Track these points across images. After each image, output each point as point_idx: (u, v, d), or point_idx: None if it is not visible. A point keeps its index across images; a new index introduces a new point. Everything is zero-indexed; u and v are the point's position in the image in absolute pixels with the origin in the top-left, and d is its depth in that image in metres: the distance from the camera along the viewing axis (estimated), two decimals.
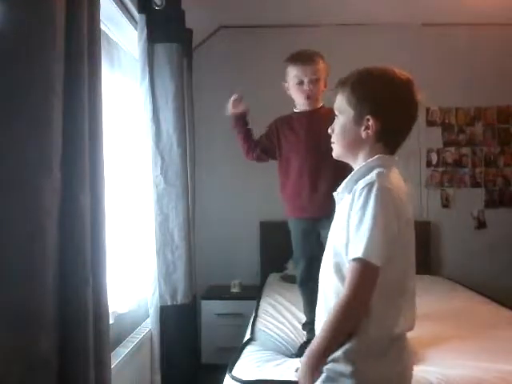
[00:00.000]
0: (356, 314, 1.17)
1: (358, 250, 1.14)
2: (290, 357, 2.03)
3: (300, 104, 2.16)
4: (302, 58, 2.08)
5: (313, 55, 2.09)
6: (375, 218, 1.13)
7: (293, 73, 2.09)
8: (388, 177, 1.21)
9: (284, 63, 2.14)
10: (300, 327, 2.32)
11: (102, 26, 1.88)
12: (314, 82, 2.07)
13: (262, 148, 2.28)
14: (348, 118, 1.27)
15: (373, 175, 1.18)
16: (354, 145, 1.28)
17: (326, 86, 2.12)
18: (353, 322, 1.17)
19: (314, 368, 1.19)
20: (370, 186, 1.16)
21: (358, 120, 1.25)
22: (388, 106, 1.23)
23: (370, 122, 1.23)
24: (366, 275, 1.15)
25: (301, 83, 2.08)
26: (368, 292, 1.16)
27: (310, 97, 2.09)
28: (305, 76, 2.07)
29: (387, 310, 1.20)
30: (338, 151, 1.33)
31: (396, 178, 1.25)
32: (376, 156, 1.24)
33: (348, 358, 1.17)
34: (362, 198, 1.16)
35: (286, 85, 2.16)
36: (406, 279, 1.23)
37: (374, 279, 1.15)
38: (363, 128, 1.24)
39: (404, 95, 1.24)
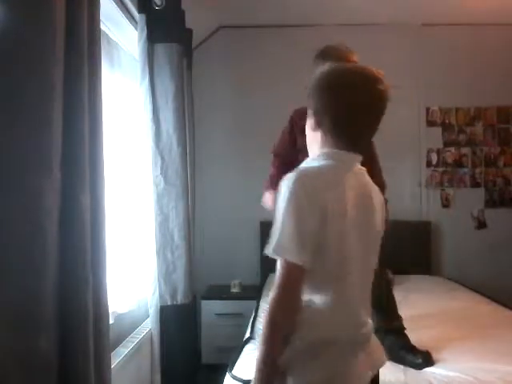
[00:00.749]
0: (281, 316, 1.09)
1: (268, 246, 1.10)
2: None
3: None
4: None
5: (354, 57, 2.01)
6: (284, 214, 1.08)
7: None
8: (318, 169, 1.16)
9: (321, 59, 2.03)
10: None
11: (102, 26, 1.87)
12: None
13: (284, 162, 2.19)
14: (309, 116, 1.25)
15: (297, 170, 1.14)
16: (311, 142, 1.24)
17: None
18: (281, 325, 1.09)
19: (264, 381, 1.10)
20: (286, 180, 1.11)
21: (311, 116, 1.22)
22: (338, 103, 1.16)
23: (316, 118, 1.19)
24: (282, 272, 1.09)
25: None
26: (287, 290, 1.09)
27: None
28: None
29: (315, 313, 1.13)
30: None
31: (352, 175, 1.18)
32: (322, 151, 1.19)
33: (283, 363, 1.11)
34: (280, 194, 1.11)
35: None
36: (339, 283, 1.15)
37: (291, 275, 1.08)
38: (313, 123, 1.21)
39: (361, 93, 1.16)
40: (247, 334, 2.35)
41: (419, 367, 1.85)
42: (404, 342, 1.97)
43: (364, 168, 1.25)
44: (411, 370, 1.85)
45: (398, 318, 2.06)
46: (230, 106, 3.84)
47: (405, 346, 1.94)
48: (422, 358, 1.88)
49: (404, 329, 2.03)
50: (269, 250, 1.10)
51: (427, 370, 1.84)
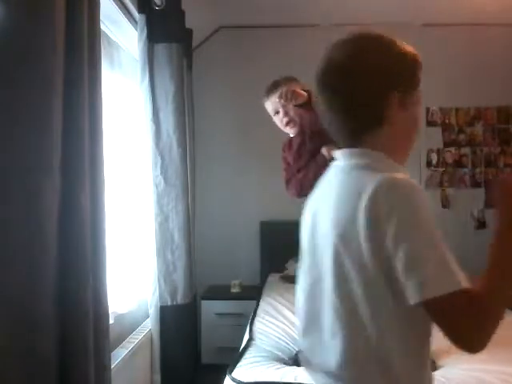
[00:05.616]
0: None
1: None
2: (286, 362, 2.03)
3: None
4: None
5: (266, 91, 2.19)
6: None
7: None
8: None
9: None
10: None
11: (102, 26, 1.88)
12: (277, 115, 2.13)
13: None
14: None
15: None
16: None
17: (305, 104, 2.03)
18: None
19: None
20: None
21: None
22: None
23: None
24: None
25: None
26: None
27: (287, 126, 2.12)
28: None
29: None
30: None
31: None
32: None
33: None
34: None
35: None
36: None
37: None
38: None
39: None
40: (246, 336, 2.35)
41: None
42: None
43: None
44: None
45: None
46: (230, 106, 3.83)
47: None
48: None
49: None
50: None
51: None
